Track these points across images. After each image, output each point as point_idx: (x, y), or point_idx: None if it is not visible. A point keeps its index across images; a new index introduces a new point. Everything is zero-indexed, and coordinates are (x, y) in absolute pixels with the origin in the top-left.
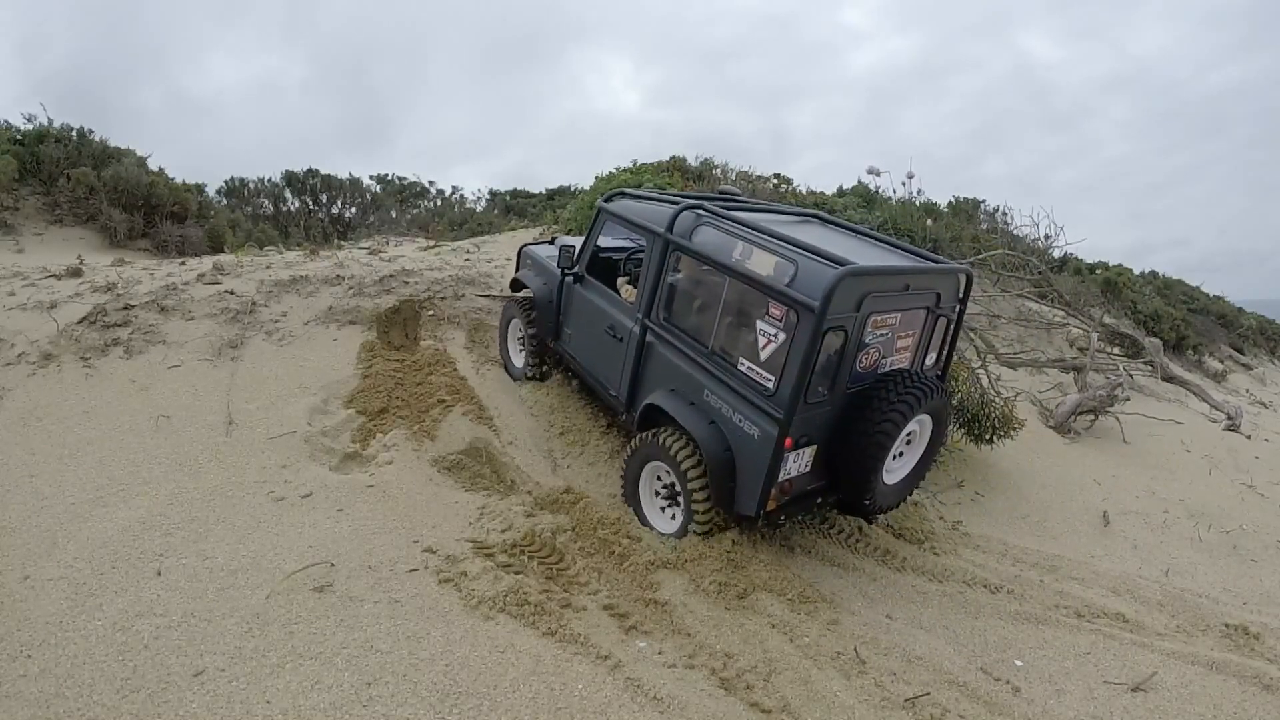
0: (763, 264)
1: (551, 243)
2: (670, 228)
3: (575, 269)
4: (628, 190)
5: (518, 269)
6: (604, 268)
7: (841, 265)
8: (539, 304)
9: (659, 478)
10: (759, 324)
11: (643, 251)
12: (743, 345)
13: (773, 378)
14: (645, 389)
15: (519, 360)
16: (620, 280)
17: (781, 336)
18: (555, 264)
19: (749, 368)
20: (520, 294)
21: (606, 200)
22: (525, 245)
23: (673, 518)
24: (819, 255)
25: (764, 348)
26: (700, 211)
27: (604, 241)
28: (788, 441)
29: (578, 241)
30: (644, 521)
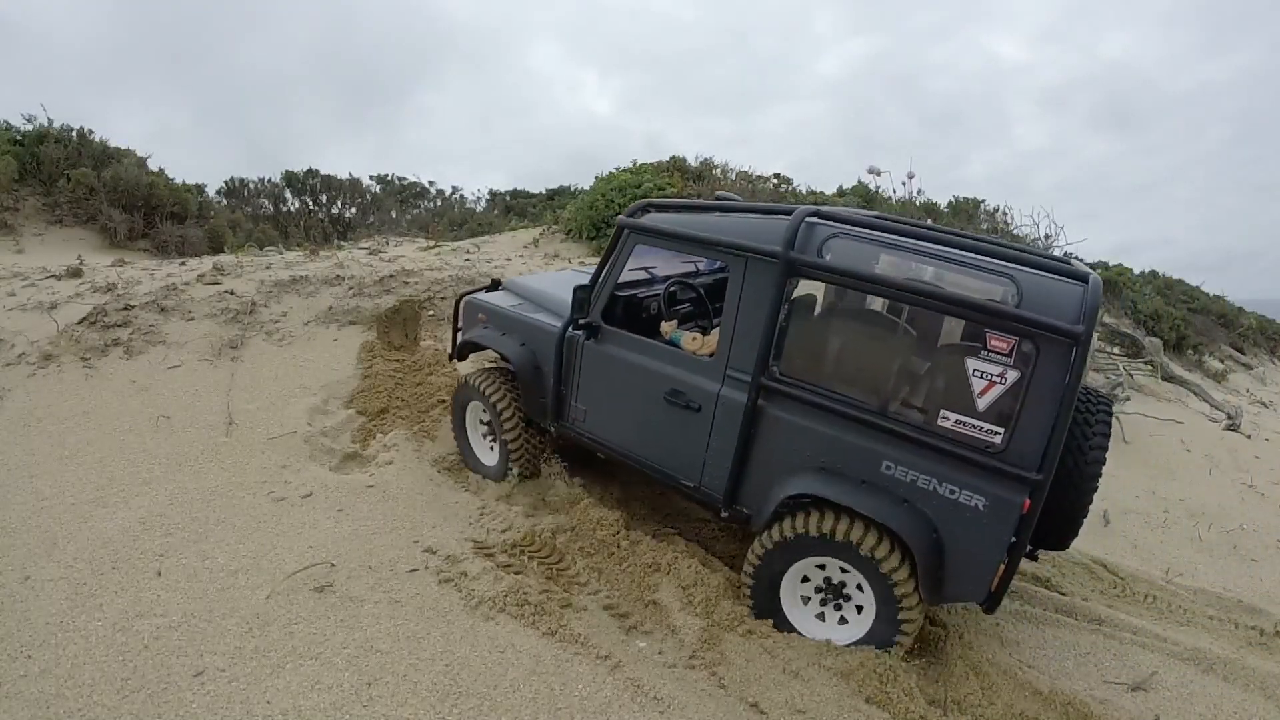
0: (963, 284)
1: (495, 288)
2: (792, 244)
3: (589, 318)
4: (656, 201)
5: (458, 327)
6: (626, 312)
7: (1079, 276)
8: (522, 375)
9: (811, 576)
10: (970, 363)
11: (689, 282)
12: (941, 394)
13: (1000, 430)
14: (767, 473)
15: (491, 457)
16: (667, 325)
17: (1011, 376)
18: (530, 313)
19: (958, 421)
20: (490, 363)
21: (633, 215)
22: (466, 294)
23: (841, 621)
24: (1032, 266)
25: (982, 394)
26: (830, 221)
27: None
28: (1025, 504)
29: (555, 278)
30: (788, 628)
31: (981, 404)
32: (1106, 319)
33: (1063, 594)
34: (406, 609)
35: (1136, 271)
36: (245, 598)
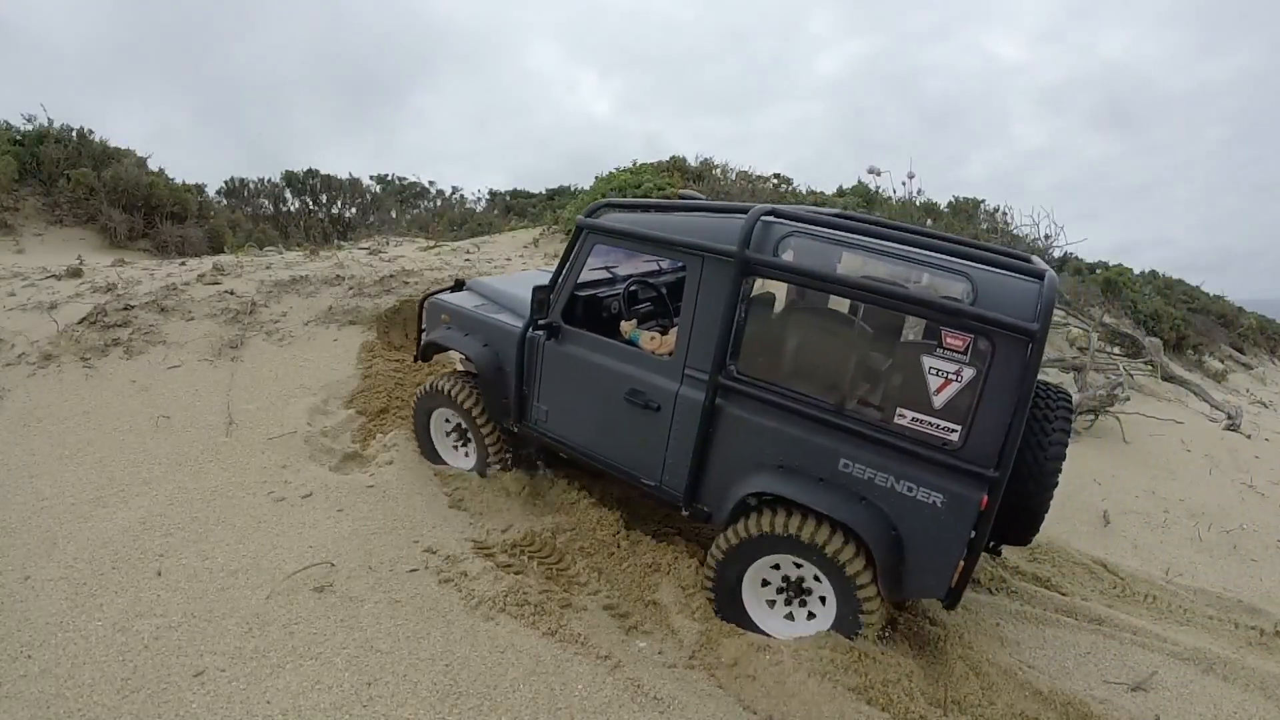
0: (918, 281)
1: (459, 289)
2: (747, 243)
3: (549, 318)
4: (615, 200)
5: (422, 329)
6: (586, 312)
7: (1032, 273)
8: (485, 376)
9: (771, 579)
10: (926, 361)
11: (650, 281)
12: (898, 392)
13: (957, 428)
14: (726, 472)
15: (462, 460)
16: (627, 325)
17: (967, 373)
18: (492, 314)
19: (915, 419)
20: (456, 365)
21: (592, 215)
22: (430, 295)
23: (810, 617)
24: (990, 263)
25: (938, 391)
26: (786, 220)
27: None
28: (984, 501)
29: (519, 278)
30: (752, 626)
31: (938, 401)
32: (1106, 319)
33: (1063, 594)
34: (406, 609)
35: (1136, 271)
36: (245, 598)
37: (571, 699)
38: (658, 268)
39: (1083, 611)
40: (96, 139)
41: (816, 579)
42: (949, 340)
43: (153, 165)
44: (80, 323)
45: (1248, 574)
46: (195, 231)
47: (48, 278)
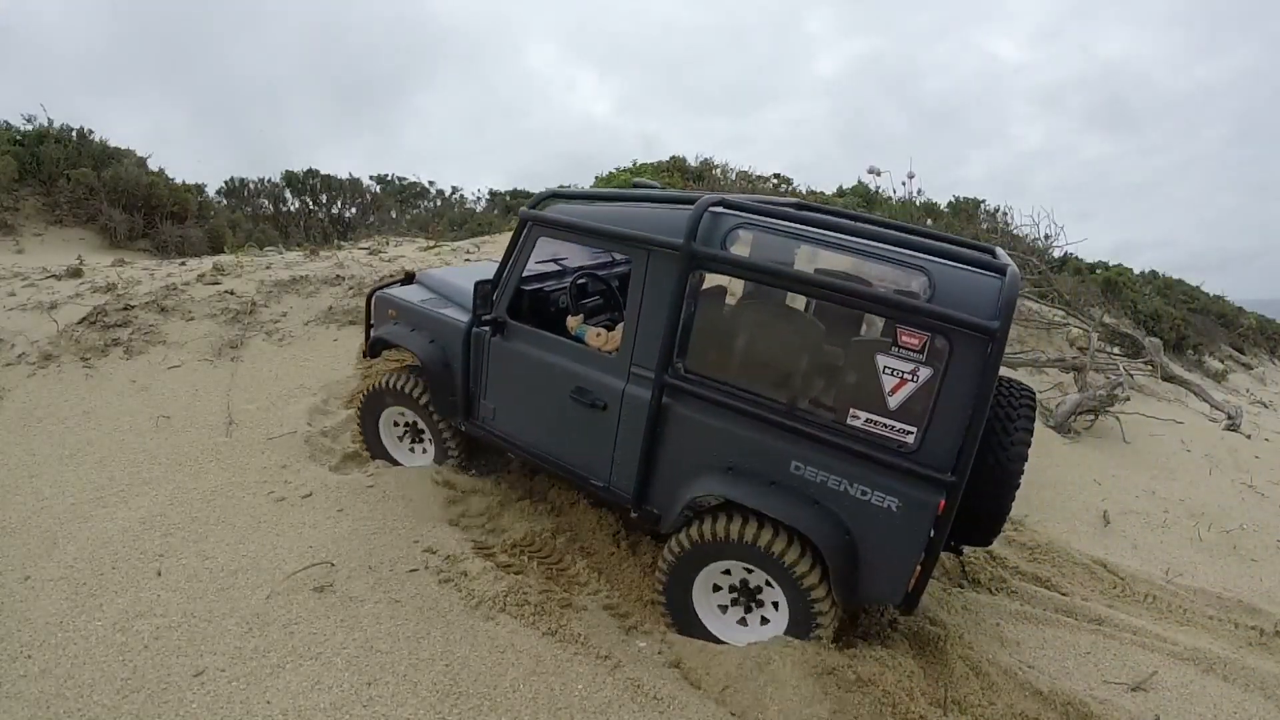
0: (875, 275)
1: (409, 281)
2: (694, 236)
3: (494, 314)
4: (562, 191)
5: (371, 324)
6: (533, 306)
7: (994, 268)
8: (431, 372)
9: (726, 574)
10: (881, 360)
11: (600, 273)
12: (851, 392)
13: (913, 429)
14: (675, 473)
15: (414, 458)
16: (573, 320)
17: (924, 373)
18: (439, 308)
19: (868, 420)
20: (404, 363)
21: (536, 206)
22: (378, 289)
23: (763, 621)
24: (950, 257)
25: (893, 392)
26: (735, 211)
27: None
28: (941, 506)
29: (470, 271)
30: (705, 632)
31: (893, 402)
32: (1106, 319)
33: (1063, 594)
34: (406, 609)
35: (1136, 271)
36: (245, 598)
37: (571, 699)
38: (611, 260)
39: (1083, 611)
40: (96, 139)
41: (768, 584)
42: (905, 338)
43: (152, 165)
44: (80, 323)
45: (1248, 574)
46: (195, 231)
47: (48, 278)
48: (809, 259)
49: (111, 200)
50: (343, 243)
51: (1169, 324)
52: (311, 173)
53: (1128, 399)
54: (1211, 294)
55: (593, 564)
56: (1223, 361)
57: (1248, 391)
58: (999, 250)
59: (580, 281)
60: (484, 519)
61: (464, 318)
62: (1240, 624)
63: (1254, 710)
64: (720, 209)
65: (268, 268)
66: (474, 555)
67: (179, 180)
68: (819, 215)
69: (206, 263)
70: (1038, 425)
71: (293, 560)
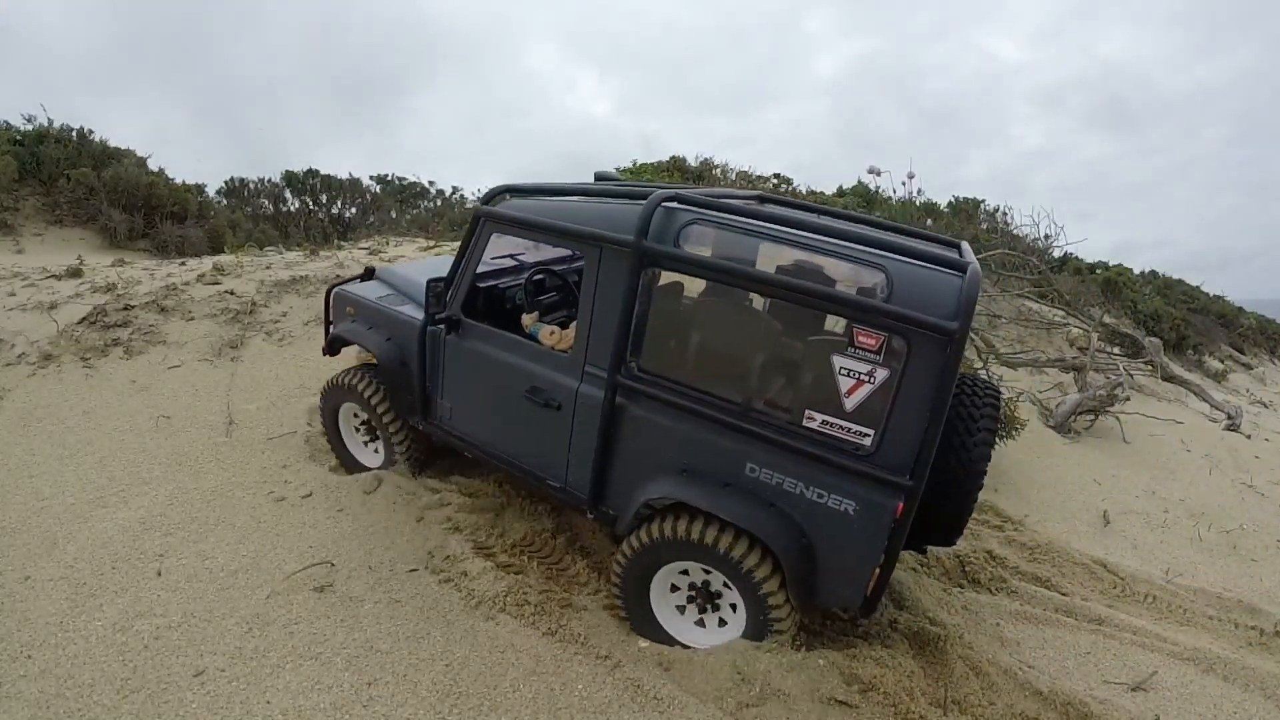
0: (832, 272)
1: (369, 277)
2: (645, 232)
3: (448, 312)
4: (515, 186)
5: (329, 321)
6: (488, 304)
7: (955, 266)
8: (387, 370)
9: (685, 574)
10: (837, 361)
11: (556, 270)
12: (807, 393)
13: (870, 432)
14: (630, 474)
15: (372, 458)
16: (528, 318)
17: (881, 374)
18: (397, 305)
19: (824, 422)
20: (361, 361)
21: (487, 201)
22: (334, 286)
23: (721, 624)
24: (911, 254)
25: (850, 393)
26: (688, 206)
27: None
28: (899, 509)
29: (432, 266)
30: (663, 634)
31: (849, 404)
32: (1106, 319)
33: (1063, 594)
34: (406, 609)
35: (1136, 271)
36: (245, 598)
37: (571, 699)
38: (570, 256)
39: (1083, 611)
40: (96, 139)
41: (726, 585)
42: (861, 338)
43: (152, 165)
44: (80, 323)
45: (1248, 574)
46: (195, 231)
47: (48, 278)
48: (765, 256)
49: (111, 200)
50: (343, 243)
51: (1169, 324)
52: (311, 173)
53: (1128, 399)
54: (1211, 294)
55: (593, 564)
56: (1223, 361)
57: (1248, 391)
58: (965, 246)
59: (536, 278)
60: (484, 519)
61: (421, 315)
62: (1240, 624)
63: (1254, 710)
64: (674, 204)
65: (268, 268)
66: (474, 555)
67: (179, 180)
68: (779, 210)
69: (206, 263)
70: (1038, 426)
71: (293, 560)
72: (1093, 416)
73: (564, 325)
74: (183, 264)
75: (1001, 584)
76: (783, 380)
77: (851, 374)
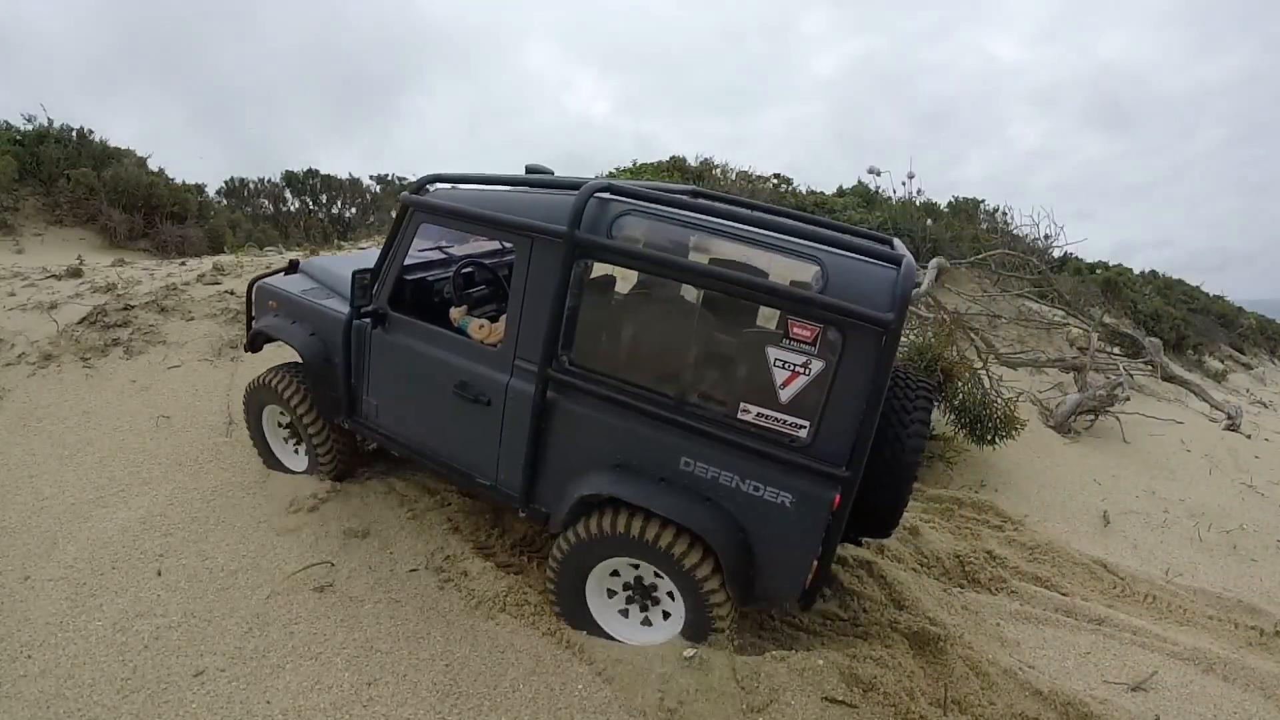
0: (766, 265)
1: (293, 270)
2: (578, 223)
3: (374, 305)
4: (445, 175)
5: (252, 316)
6: (416, 297)
7: (889, 258)
8: (312, 368)
9: (617, 573)
10: (771, 353)
11: (486, 263)
12: (742, 385)
13: (805, 423)
14: (562, 470)
15: (297, 461)
16: (456, 312)
17: (816, 366)
18: (320, 299)
19: (759, 414)
20: (281, 360)
21: (416, 190)
22: (258, 279)
23: (665, 616)
24: (845, 248)
25: (785, 385)
26: (620, 196)
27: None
28: (836, 501)
29: (358, 259)
30: (600, 632)
31: (784, 396)
32: (1106, 319)
33: (1063, 594)
34: (406, 609)
35: (1136, 271)
36: (245, 598)
37: (571, 699)
38: (501, 247)
39: (1083, 611)
40: (96, 139)
41: (658, 576)
42: (796, 330)
43: (152, 165)
44: (80, 323)
45: (1248, 574)
46: (195, 231)
47: (48, 278)
48: (699, 247)
49: (111, 200)
50: (343, 242)
51: (1169, 324)
52: (311, 173)
53: (1128, 399)
54: (1211, 294)
55: None
56: (1223, 361)
57: (1247, 391)
58: (897, 241)
59: (466, 271)
60: (484, 519)
61: (346, 309)
62: (1240, 624)
63: (1254, 710)
64: (606, 195)
65: (268, 268)
66: (474, 555)
67: (179, 180)
68: (712, 204)
69: (206, 263)
70: (1038, 426)
71: (293, 560)
72: (1093, 416)
73: (494, 319)
74: (183, 264)
75: (1001, 584)
76: (717, 373)
77: (787, 366)
